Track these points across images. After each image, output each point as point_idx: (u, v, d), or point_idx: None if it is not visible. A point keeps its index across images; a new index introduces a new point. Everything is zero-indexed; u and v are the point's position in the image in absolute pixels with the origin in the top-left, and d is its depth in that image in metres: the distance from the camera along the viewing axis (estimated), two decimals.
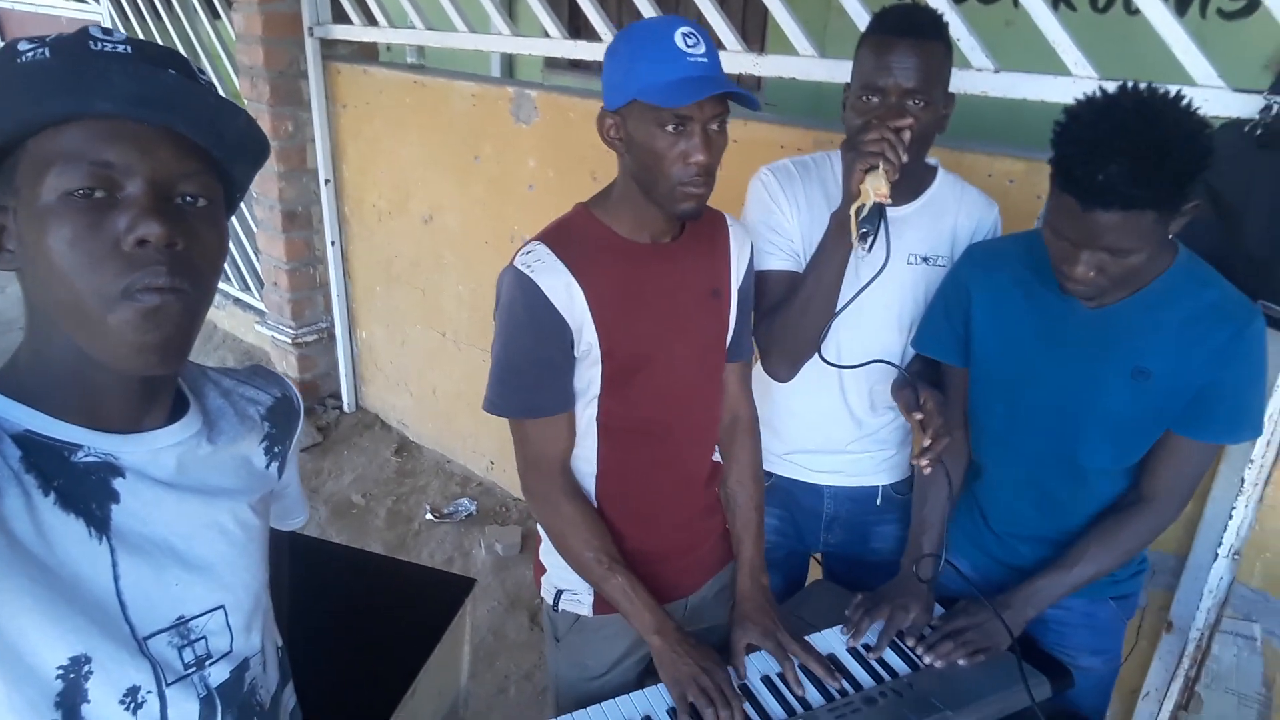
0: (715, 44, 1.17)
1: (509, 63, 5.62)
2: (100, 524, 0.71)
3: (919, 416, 1.33)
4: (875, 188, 1.26)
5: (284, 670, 0.93)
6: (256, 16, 3.37)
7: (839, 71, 1.93)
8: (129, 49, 0.68)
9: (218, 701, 0.78)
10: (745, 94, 1.15)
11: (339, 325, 3.93)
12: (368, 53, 3.59)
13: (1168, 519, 1.35)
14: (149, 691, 0.72)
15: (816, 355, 1.45)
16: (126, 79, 0.65)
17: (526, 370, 1.24)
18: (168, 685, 0.73)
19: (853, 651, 1.38)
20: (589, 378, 1.27)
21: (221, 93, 0.73)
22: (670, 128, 1.13)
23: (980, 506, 1.52)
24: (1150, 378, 1.26)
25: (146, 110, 0.66)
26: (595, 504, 1.35)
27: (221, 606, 0.79)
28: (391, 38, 3.22)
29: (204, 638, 0.77)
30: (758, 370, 1.55)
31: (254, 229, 4.03)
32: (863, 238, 1.29)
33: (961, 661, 1.32)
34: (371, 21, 3.22)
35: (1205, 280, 1.26)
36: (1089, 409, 1.31)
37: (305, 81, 3.51)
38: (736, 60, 2.16)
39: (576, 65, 5.09)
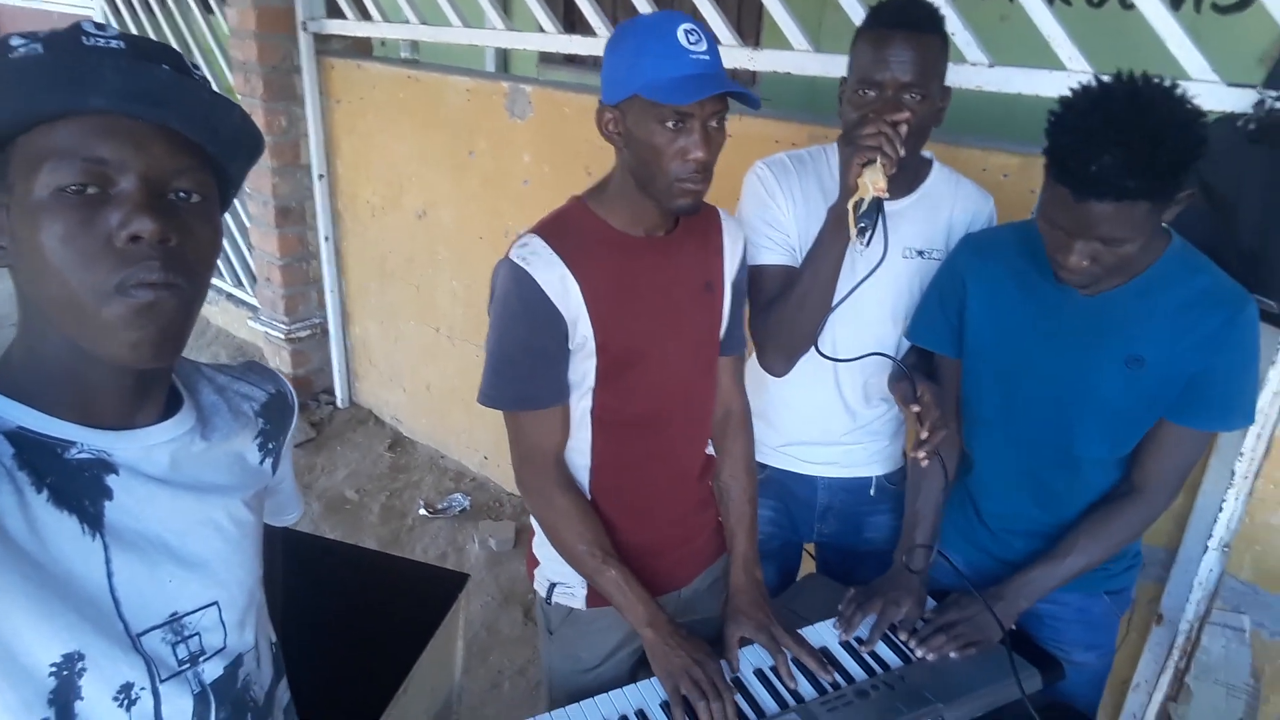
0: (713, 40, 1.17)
1: (504, 58, 5.59)
2: (93, 521, 0.71)
3: (916, 409, 1.33)
4: (873, 182, 1.26)
5: (278, 666, 0.93)
6: (250, 11, 3.36)
7: (834, 66, 1.93)
8: (122, 44, 0.67)
9: (211, 698, 0.78)
10: (747, 93, 1.15)
11: (332, 321, 3.93)
12: (362, 47, 3.58)
13: (1158, 509, 1.36)
14: (142, 688, 0.72)
15: (812, 349, 1.45)
16: (119, 74, 0.65)
17: (521, 362, 1.24)
18: (161, 682, 0.73)
19: (845, 645, 1.38)
20: (583, 370, 1.27)
21: (215, 88, 0.72)
22: (670, 124, 1.13)
23: (974, 500, 1.53)
24: (1144, 365, 1.27)
25: (140, 106, 0.66)
26: (589, 497, 1.35)
27: (215, 603, 0.79)
28: (385, 32, 3.20)
29: (198, 634, 0.77)
30: (752, 363, 1.55)
31: (247, 224, 4.02)
32: (861, 232, 1.29)
33: (953, 654, 1.33)
34: (365, 16, 3.21)
35: (1198, 267, 1.26)
36: (1084, 397, 1.32)
37: (299, 76, 3.50)
38: (732, 55, 2.16)
39: (571, 60, 5.08)
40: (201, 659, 0.77)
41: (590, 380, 1.27)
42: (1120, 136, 1.05)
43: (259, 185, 3.67)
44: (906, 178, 1.45)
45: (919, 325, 1.50)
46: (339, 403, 4.06)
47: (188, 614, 0.77)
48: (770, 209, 1.48)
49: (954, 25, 1.74)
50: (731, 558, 1.45)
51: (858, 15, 1.87)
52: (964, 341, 1.43)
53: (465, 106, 3.01)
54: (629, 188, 1.23)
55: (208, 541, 0.79)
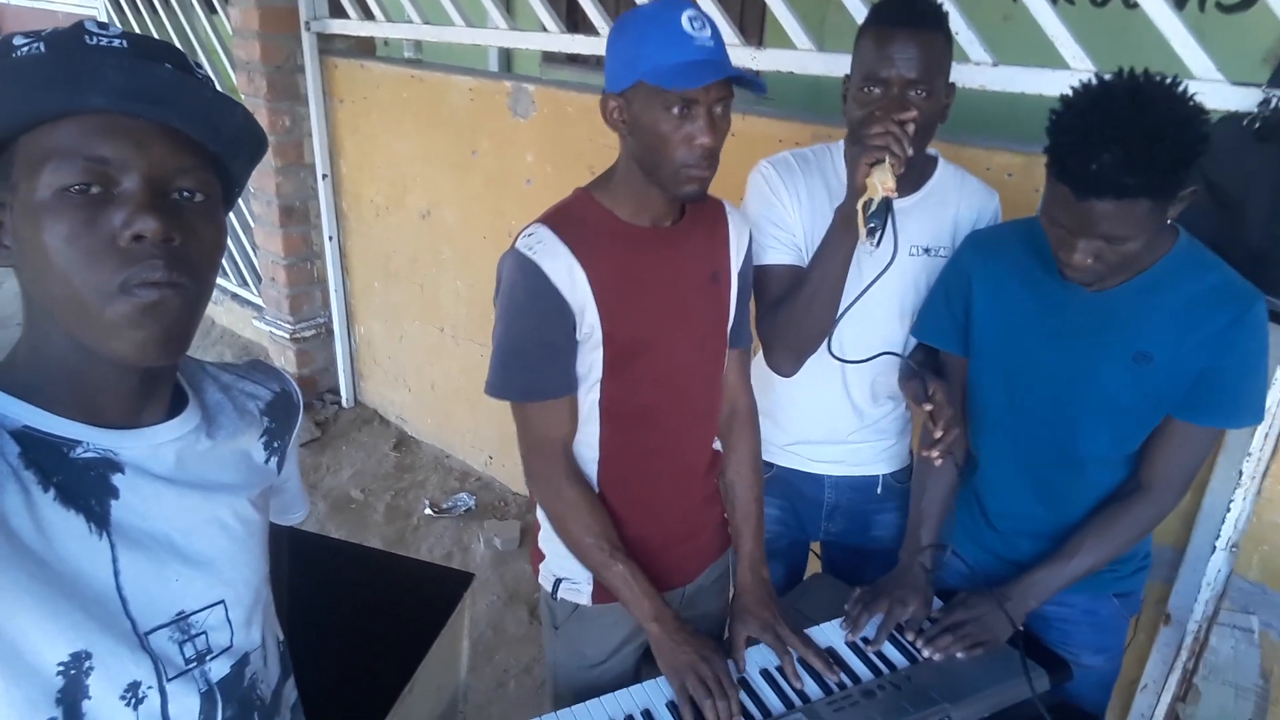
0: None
1: (507, 57, 5.60)
2: (100, 520, 0.71)
3: (929, 407, 1.32)
4: (882, 181, 1.25)
5: (285, 665, 0.93)
6: (253, 11, 3.36)
7: (837, 65, 1.93)
8: (124, 43, 0.67)
9: (218, 696, 0.78)
10: (752, 77, 1.15)
11: (337, 320, 3.93)
12: (365, 47, 3.58)
13: (1166, 508, 1.35)
14: (150, 687, 0.72)
15: (820, 348, 1.45)
16: (121, 74, 0.65)
17: (529, 353, 1.24)
18: (168, 680, 0.73)
19: (851, 645, 1.38)
20: (590, 362, 1.27)
21: (218, 87, 0.72)
22: (676, 110, 1.13)
23: (980, 501, 1.52)
24: (1151, 362, 1.26)
25: (142, 105, 0.66)
26: (597, 490, 1.34)
27: (222, 601, 0.79)
28: (388, 32, 3.21)
29: (204, 633, 0.77)
30: (758, 362, 1.55)
31: (251, 224, 4.02)
32: (870, 232, 1.29)
33: (960, 655, 1.32)
34: (368, 16, 3.21)
35: (1206, 264, 1.26)
36: (1089, 394, 1.31)
37: (302, 76, 3.51)
38: (735, 54, 2.14)
39: (574, 60, 5.08)
40: (208, 657, 0.77)
41: (597, 372, 1.27)
42: (1120, 134, 1.05)
43: (263, 185, 3.68)
44: (912, 175, 1.45)
45: (925, 323, 1.49)
46: (344, 402, 4.07)
47: (194, 612, 0.77)
48: (775, 208, 1.48)
49: (958, 24, 1.73)
50: (738, 556, 1.45)
51: (860, 13, 1.87)
52: (970, 339, 1.43)
53: (468, 106, 3.02)
54: (635, 177, 1.23)
55: (214, 540, 0.79)
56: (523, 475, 1.36)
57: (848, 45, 1.42)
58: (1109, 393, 1.30)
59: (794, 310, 1.42)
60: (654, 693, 1.28)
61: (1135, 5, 1.63)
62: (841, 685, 1.28)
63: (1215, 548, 1.64)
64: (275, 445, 0.91)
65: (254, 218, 3.92)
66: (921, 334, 1.50)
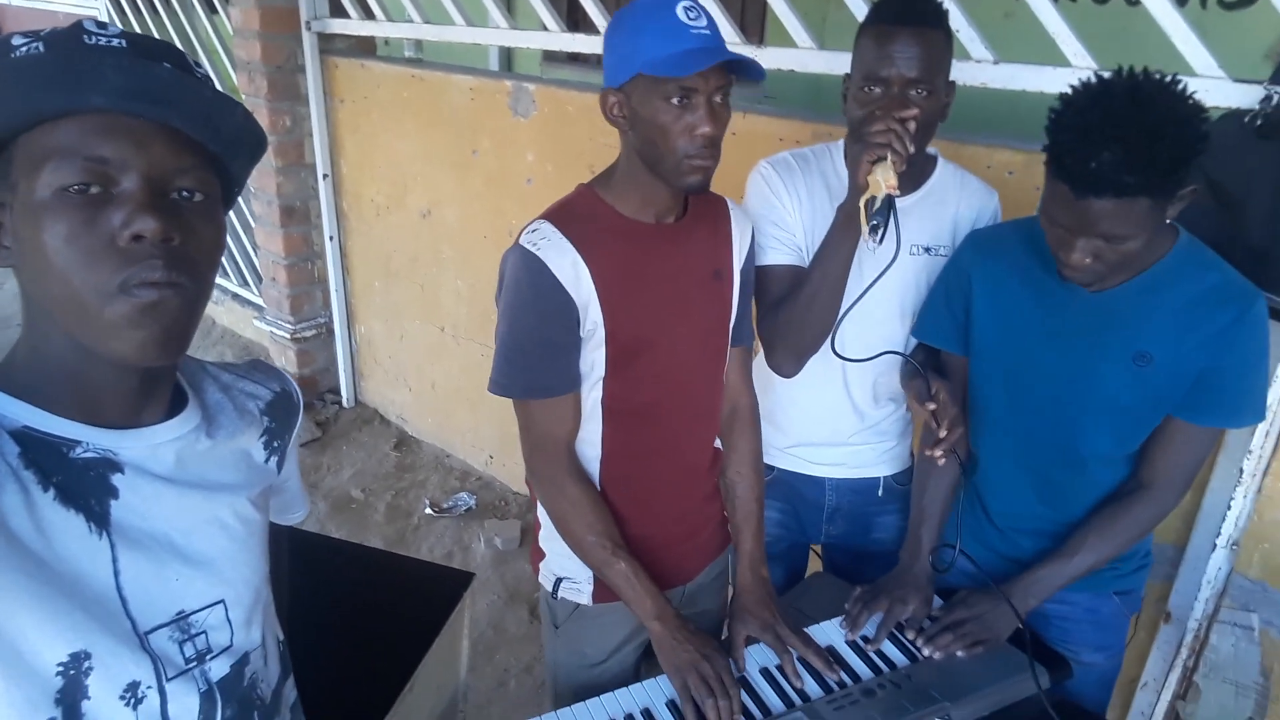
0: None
1: (507, 56, 5.60)
2: (100, 519, 0.71)
3: (932, 407, 1.32)
4: (884, 179, 1.25)
5: (285, 664, 0.93)
6: (254, 11, 3.36)
7: (838, 63, 1.93)
8: (124, 43, 0.67)
9: (218, 696, 0.78)
10: (750, 62, 1.14)
11: (337, 320, 3.93)
12: (365, 47, 3.58)
13: (1167, 507, 1.35)
14: (149, 687, 0.72)
15: (822, 348, 1.44)
16: (121, 73, 0.65)
17: (532, 350, 1.23)
18: (168, 680, 0.73)
19: (851, 644, 1.38)
20: (593, 359, 1.26)
21: (219, 87, 0.72)
22: (676, 100, 1.13)
23: (981, 500, 1.52)
24: (1151, 362, 1.26)
25: (141, 105, 0.66)
26: (599, 488, 1.34)
27: (222, 601, 0.79)
28: (389, 31, 3.21)
29: (204, 632, 0.77)
30: (759, 364, 1.55)
31: (252, 224, 4.02)
32: (873, 230, 1.28)
33: (960, 653, 1.32)
34: (369, 15, 3.21)
35: (1207, 263, 1.25)
36: (1090, 394, 1.31)
37: (303, 76, 3.51)
38: (735, 52, 2.15)
39: (575, 59, 5.07)
40: (208, 657, 0.77)
41: (600, 370, 1.27)
42: (1119, 133, 1.04)
43: (263, 185, 3.68)
44: (912, 174, 1.44)
45: (925, 323, 1.49)
46: (344, 402, 4.07)
47: (194, 612, 0.77)
48: (775, 208, 1.48)
49: (958, 21, 1.73)
50: (738, 556, 1.44)
51: (861, 12, 1.87)
52: (970, 339, 1.43)
53: (469, 105, 3.01)
54: (637, 172, 1.23)
55: (214, 540, 0.79)
56: (523, 475, 1.36)
57: (849, 43, 1.42)
58: (1109, 393, 1.29)
59: (795, 310, 1.42)
60: (654, 692, 1.28)
61: (1137, 2, 1.63)
62: (841, 684, 1.28)
63: (1216, 546, 1.64)
64: (275, 445, 0.91)
65: (254, 218, 3.92)
66: (922, 334, 1.50)
